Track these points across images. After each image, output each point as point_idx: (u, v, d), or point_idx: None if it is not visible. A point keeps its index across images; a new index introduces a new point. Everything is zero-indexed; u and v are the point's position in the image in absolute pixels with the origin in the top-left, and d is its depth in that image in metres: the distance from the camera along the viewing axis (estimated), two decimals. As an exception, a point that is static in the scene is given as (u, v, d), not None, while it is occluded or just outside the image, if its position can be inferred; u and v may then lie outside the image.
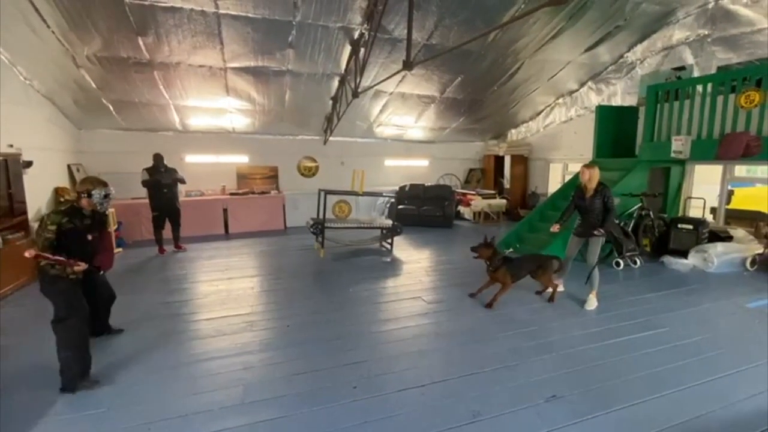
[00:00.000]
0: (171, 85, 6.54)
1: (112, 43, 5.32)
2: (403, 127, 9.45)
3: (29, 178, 5.54)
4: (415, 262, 6.15)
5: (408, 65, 4.60)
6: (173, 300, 4.51)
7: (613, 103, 7.82)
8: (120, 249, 6.76)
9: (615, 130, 7.25)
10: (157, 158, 6.47)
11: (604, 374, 2.94)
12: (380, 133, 9.61)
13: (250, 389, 2.75)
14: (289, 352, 3.31)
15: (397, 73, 5.52)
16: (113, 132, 7.77)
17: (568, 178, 8.52)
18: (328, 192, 6.42)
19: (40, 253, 2.59)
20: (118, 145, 7.84)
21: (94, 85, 6.22)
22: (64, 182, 6.82)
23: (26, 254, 2.56)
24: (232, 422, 2.40)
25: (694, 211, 6.70)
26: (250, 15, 5.13)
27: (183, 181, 6.73)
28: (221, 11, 5.00)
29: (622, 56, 7.39)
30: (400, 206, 8.92)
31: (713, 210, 6.70)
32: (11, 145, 5.22)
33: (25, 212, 5.31)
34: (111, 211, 6.73)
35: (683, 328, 3.75)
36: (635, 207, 5.97)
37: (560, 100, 8.92)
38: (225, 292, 4.78)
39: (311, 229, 6.45)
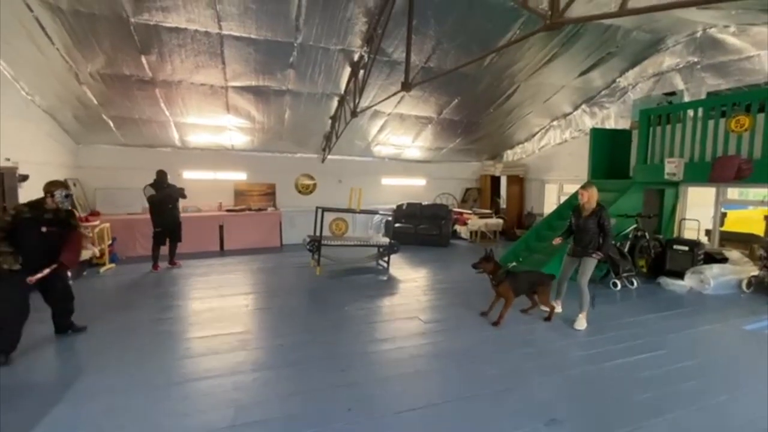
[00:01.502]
0: (172, 102, 6.62)
1: (115, 60, 5.41)
2: (401, 147, 9.57)
3: (24, 192, 5.50)
4: (412, 281, 6.11)
5: (407, 86, 4.71)
6: (165, 317, 4.43)
7: (607, 126, 7.99)
8: (113, 265, 6.67)
9: (609, 152, 7.38)
10: (161, 174, 6.45)
11: (603, 397, 2.89)
12: (378, 152, 9.71)
13: (242, 410, 2.67)
14: (283, 372, 3.23)
15: (396, 94, 5.65)
16: (111, 147, 7.80)
17: (563, 198, 8.60)
18: (325, 209, 6.42)
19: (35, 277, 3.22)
20: (115, 161, 7.86)
21: (95, 102, 6.28)
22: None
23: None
24: (222, 445, 2.32)
25: (689, 233, 6.75)
26: (252, 36, 5.25)
27: (184, 195, 6.69)
28: (224, 32, 5.12)
29: (614, 81, 7.60)
30: (397, 224, 8.93)
31: (707, 232, 6.76)
32: (8, 159, 5.21)
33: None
34: (105, 226, 6.68)
35: (681, 350, 3.71)
36: (631, 228, 6.01)
37: (555, 123, 9.10)
38: (218, 309, 4.70)
39: (308, 247, 6.42)
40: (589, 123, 8.31)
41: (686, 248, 5.80)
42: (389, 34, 5.28)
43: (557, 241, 4.49)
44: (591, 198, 4.13)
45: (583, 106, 8.33)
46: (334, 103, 7.19)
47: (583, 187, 4.21)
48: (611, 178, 7.17)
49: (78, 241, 3.63)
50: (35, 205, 3.25)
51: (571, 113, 8.65)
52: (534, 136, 9.77)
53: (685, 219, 6.79)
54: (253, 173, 9.04)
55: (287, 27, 5.15)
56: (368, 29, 5.32)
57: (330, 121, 7.83)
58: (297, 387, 2.98)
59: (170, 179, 6.69)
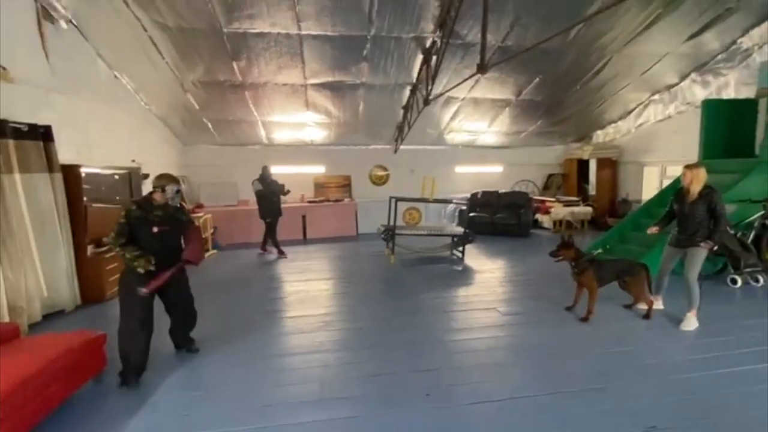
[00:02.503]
0: (259, 103, 7.21)
1: (212, 68, 6.03)
2: (475, 133, 9.24)
3: (147, 188, 6.47)
4: (489, 272, 5.93)
5: (482, 68, 4.51)
6: (260, 298, 4.91)
7: (724, 96, 6.80)
8: (215, 251, 7.55)
9: (727, 127, 6.28)
10: (266, 170, 7.02)
11: (714, 408, 2.53)
12: (451, 139, 9.50)
13: (327, 386, 2.87)
14: (363, 353, 3.39)
15: (471, 77, 5.44)
16: (210, 147, 8.76)
17: (666, 183, 7.58)
18: (399, 199, 6.50)
19: (154, 284, 2.87)
20: (214, 159, 8.82)
21: (197, 107, 7.10)
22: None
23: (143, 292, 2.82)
24: (308, 416, 2.52)
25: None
26: (328, 33, 5.46)
27: (284, 192, 7.17)
28: (303, 32, 5.40)
29: (734, 42, 6.40)
30: (472, 214, 8.69)
31: None
32: (134, 160, 6.15)
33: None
34: (207, 217, 7.56)
35: (826, 361, 3.08)
36: (757, 215, 5.09)
37: (656, 97, 8.00)
38: (303, 292, 5.07)
39: (382, 236, 6.57)
40: (700, 94, 7.15)
41: (835, 239, 4.75)
42: (463, 15, 5.07)
43: (653, 230, 3.96)
44: (697, 179, 3.60)
45: (693, 75, 7.18)
46: (406, 92, 7.18)
47: (687, 167, 3.68)
48: (730, 157, 6.12)
49: (198, 235, 3.33)
50: (142, 203, 2.98)
51: (676, 84, 7.52)
52: (630, 113, 8.71)
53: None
54: (330, 166, 9.48)
55: (361, 20, 5.25)
56: (441, 13, 5.19)
57: (402, 111, 7.85)
58: (377, 369, 3.10)
59: (258, 174, 7.30)
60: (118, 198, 5.40)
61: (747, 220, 5.10)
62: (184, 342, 3.42)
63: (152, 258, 2.89)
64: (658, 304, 4.05)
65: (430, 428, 2.39)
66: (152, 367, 3.08)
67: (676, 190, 3.91)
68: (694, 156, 6.52)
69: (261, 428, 2.42)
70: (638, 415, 2.45)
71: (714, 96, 6.90)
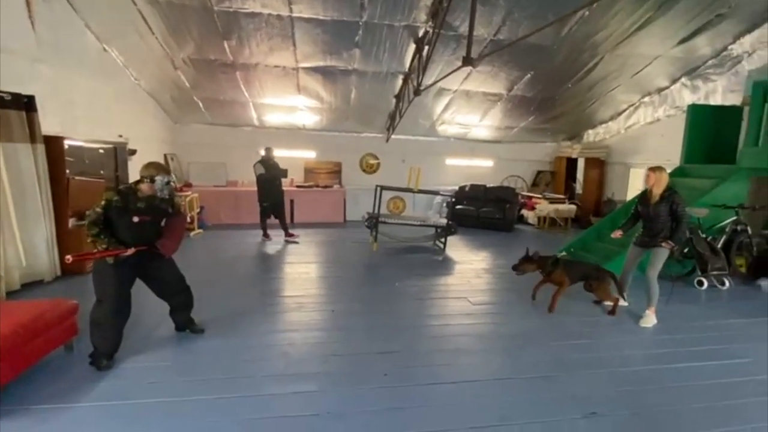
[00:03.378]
0: (250, 84, 7.18)
1: (202, 46, 6.00)
2: (467, 126, 9.27)
3: (133, 165, 6.48)
4: (467, 263, 6.04)
5: (469, 61, 4.53)
6: (240, 277, 5.00)
7: (712, 102, 6.87)
8: (200, 230, 7.61)
9: (711, 133, 6.37)
10: (269, 151, 6.95)
11: (658, 399, 2.66)
12: (443, 131, 9.53)
13: (291, 363, 2.97)
14: (331, 335, 3.50)
15: (459, 69, 5.44)
16: (202, 126, 8.73)
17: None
18: (384, 188, 6.56)
19: (78, 255, 2.75)
20: (205, 138, 8.80)
21: (187, 85, 7.07)
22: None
23: (66, 259, 2.64)
24: (268, 390, 2.63)
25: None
26: (320, 17, 5.44)
27: (285, 175, 7.14)
28: (294, 14, 5.38)
29: (725, 48, 6.43)
30: (458, 206, 8.78)
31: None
32: (121, 135, 6.15)
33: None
34: (195, 196, 7.60)
35: (772, 361, 3.23)
36: (728, 221, 5.22)
37: (647, 99, 8.05)
38: (282, 275, 5.17)
39: (366, 223, 6.65)
40: (689, 99, 7.21)
41: (801, 248, 4.89)
42: (455, 7, 5.07)
43: (617, 233, 4.08)
44: (659, 181, 3.75)
45: (683, 79, 7.23)
46: (399, 81, 7.18)
47: (651, 169, 3.83)
48: (713, 163, 6.22)
49: (181, 226, 3.24)
50: (126, 191, 2.84)
51: (667, 88, 7.57)
52: (620, 114, 8.76)
53: (807, 214, 5.68)
54: (321, 152, 9.49)
55: (353, 6, 5.23)
56: (434, 2, 5.19)
57: (394, 100, 7.86)
58: (341, 349, 3.21)
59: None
60: (102, 172, 5.43)
61: (719, 225, 5.23)
62: (185, 323, 3.35)
63: (122, 250, 2.76)
64: (623, 302, 4.18)
65: (382, 404, 2.51)
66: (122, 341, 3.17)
67: (640, 193, 4.04)
68: (677, 160, 6.63)
69: (219, 398, 2.52)
70: (581, 402, 2.58)
71: (702, 101, 6.97)
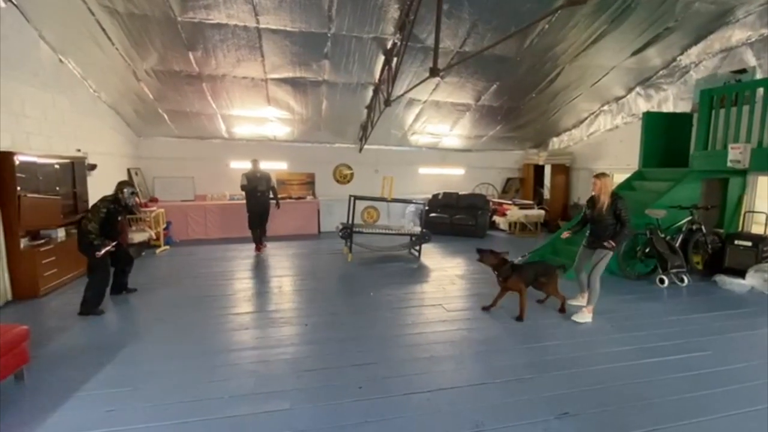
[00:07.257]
0: (218, 95, 7.05)
1: (166, 57, 5.85)
2: (438, 136, 9.44)
3: (93, 180, 6.18)
4: (442, 270, 6.08)
5: (435, 71, 4.64)
6: (207, 294, 4.81)
7: (665, 110, 7.31)
8: (167, 247, 7.31)
9: (665, 139, 6.76)
10: (255, 164, 6.95)
11: (626, 395, 2.74)
12: (415, 141, 9.66)
13: (261, 381, 2.87)
14: (303, 349, 3.41)
15: (427, 79, 5.56)
16: (168, 139, 8.47)
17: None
18: (357, 198, 6.55)
19: (105, 250, 4.11)
20: (171, 152, 8.53)
21: (151, 97, 6.85)
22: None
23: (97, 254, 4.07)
24: (238, 410, 2.52)
25: (756, 228, 6.04)
26: (288, 29, 5.43)
27: (275, 191, 7.07)
28: (261, 26, 5.34)
29: (674, 59, 6.89)
30: (432, 214, 8.87)
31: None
32: (79, 150, 5.87)
33: (87, 210, 5.92)
34: (161, 212, 7.31)
35: (730, 353, 3.40)
36: (684, 220, 5.52)
37: (606, 107, 8.47)
38: (254, 289, 5.01)
39: (340, 234, 6.60)
40: (644, 107, 7.65)
41: (749, 244, 5.22)
42: (421, 20, 5.20)
43: (566, 234, 4.40)
44: (604, 187, 4.00)
45: (638, 89, 7.67)
46: (369, 92, 7.24)
47: (596, 176, 4.08)
48: (668, 166, 6.58)
49: (126, 225, 4.71)
50: (115, 201, 4.29)
51: (623, 97, 8.00)
52: (582, 122, 9.17)
53: (752, 212, 6.09)
54: (293, 163, 9.40)
55: (320, 17, 5.26)
56: (400, 15, 5.29)
57: (366, 111, 7.91)
58: (314, 364, 3.14)
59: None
60: (58, 188, 5.14)
61: (676, 225, 5.51)
62: (122, 286, 4.68)
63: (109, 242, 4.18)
64: (581, 301, 4.31)
65: (357, 418, 2.45)
66: (79, 362, 2.99)
67: (589, 198, 4.30)
68: (635, 164, 6.97)
69: (185, 423, 2.39)
70: (554, 403, 2.62)
71: (655, 109, 7.40)
